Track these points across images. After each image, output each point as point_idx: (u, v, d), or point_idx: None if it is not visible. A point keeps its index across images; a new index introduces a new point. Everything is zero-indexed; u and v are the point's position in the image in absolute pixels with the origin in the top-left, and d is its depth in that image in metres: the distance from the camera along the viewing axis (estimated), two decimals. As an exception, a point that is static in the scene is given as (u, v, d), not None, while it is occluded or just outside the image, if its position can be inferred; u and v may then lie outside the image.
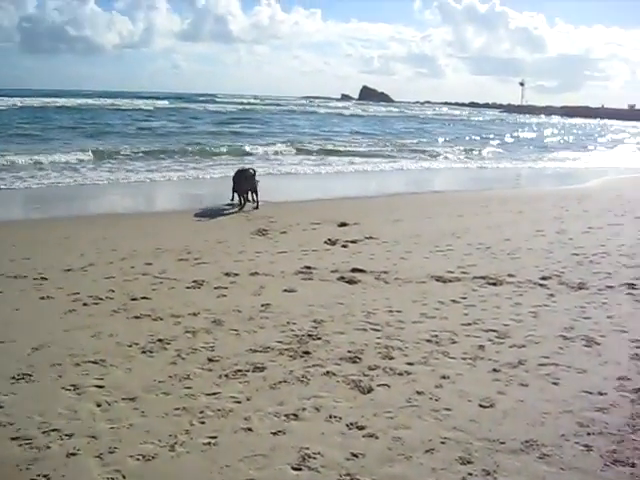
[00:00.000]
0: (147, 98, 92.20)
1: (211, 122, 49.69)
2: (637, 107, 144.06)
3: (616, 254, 10.55)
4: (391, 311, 7.37)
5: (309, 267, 9.28)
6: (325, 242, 11.08)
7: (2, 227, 12.14)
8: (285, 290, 8.18)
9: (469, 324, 6.98)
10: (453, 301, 7.81)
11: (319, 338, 6.47)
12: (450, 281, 8.73)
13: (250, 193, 14.95)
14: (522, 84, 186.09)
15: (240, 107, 78.47)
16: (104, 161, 22.64)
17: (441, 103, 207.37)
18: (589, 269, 9.52)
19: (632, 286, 8.63)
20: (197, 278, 8.60)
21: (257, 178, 15.15)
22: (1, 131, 32.98)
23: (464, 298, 7.94)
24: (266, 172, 20.74)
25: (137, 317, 7.06)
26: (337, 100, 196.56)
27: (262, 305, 7.50)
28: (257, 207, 14.70)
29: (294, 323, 6.90)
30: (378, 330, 6.74)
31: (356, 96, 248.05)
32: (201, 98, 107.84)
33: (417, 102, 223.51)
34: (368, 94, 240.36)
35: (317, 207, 15.03)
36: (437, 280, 8.76)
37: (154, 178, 19.74)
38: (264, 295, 7.96)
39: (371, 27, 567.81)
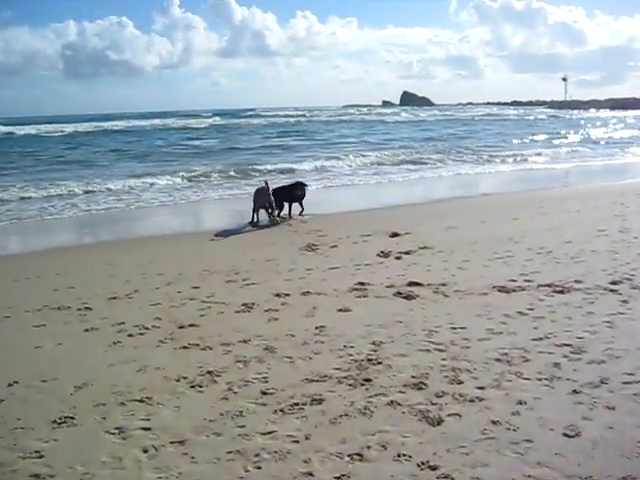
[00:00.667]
0: (194, 116, 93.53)
1: (261, 137, 50.36)
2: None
3: (689, 252, 9.94)
4: (454, 328, 6.85)
5: (363, 283, 8.81)
6: (378, 255, 10.60)
7: (47, 255, 11.95)
8: (339, 310, 7.71)
9: (540, 339, 6.42)
10: (520, 313, 7.26)
11: (379, 362, 5.98)
12: (514, 291, 8.18)
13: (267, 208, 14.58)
14: (565, 79, 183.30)
15: (285, 120, 79.12)
16: (160, 183, 22.21)
17: (483, 104, 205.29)
18: (662, 270, 8.93)
19: None
20: (246, 301, 8.19)
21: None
22: (53, 158, 33.31)
23: (531, 309, 7.38)
24: (322, 185, 20.40)
25: (185, 347, 6.66)
26: (380, 107, 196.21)
27: (316, 328, 7.04)
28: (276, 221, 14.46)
29: (351, 346, 6.43)
30: (442, 350, 6.23)
31: (397, 102, 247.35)
32: (249, 113, 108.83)
33: (459, 104, 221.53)
34: (409, 99, 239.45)
35: (366, 218, 14.57)
36: (500, 290, 8.22)
37: (210, 197, 19.52)
38: (317, 316, 7.50)
39: (408, 32, 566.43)
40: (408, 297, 8.09)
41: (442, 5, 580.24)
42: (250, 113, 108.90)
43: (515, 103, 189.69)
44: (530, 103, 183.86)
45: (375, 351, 6.28)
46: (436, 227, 12.98)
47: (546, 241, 11.06)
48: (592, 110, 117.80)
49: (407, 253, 10.63)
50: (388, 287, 8.58)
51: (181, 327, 7.31)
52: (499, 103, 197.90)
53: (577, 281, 8.44)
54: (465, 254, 10.38)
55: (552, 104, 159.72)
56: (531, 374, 5.58)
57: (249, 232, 13.49)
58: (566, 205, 15.36)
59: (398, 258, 10.34)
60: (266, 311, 7.80)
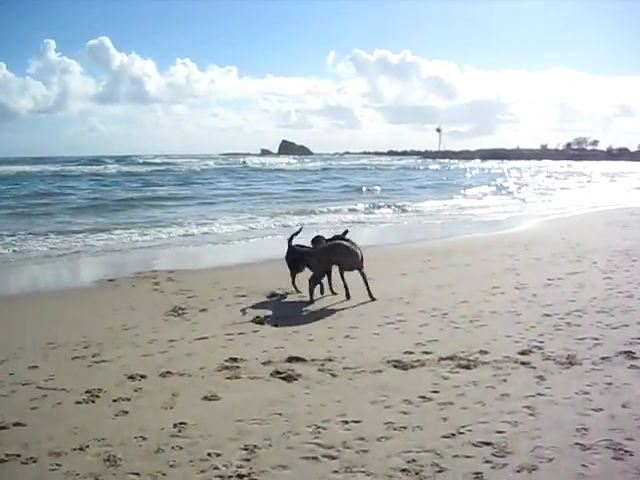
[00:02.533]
0: (72, 163, 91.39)
1: (160, 186, 48.44)
2: (549, 147, 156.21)
3: (592, 311, 9.12)
4: (346, 422, 5.51)
5: (235, 359, 7.38)
6: (253, 320, 9.25)
7: None
8: (205, 397, 6.24)
9: (452, 435, 5.17)
10: (423, 398, 6.01)
11: (254, 480, 4.57)
12: (412, 367, 6.96)
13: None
14: (439, 130, 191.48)
15: (168, 167, 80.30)
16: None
17: (360, 153, 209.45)
18: (571, 335, 8.00)
19: (631, 355, 7.17)
20: (92, 386, 6.59)
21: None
22: None
23: (435, 392, 6.16)
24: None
25: (1, 461, 5.06)
26: (259, 155, 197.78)
27: (175, 425, 5.54)
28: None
29: (218, 454, 4.96)
30: (334, 457, 4.85)
31: (276, 150, 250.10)
32: (130, 160, 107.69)
33: (336, 153, 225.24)
34: (287, 148, 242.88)
35: (243, 274, 13.15)
36: (396, 366, 6.98)
37: (82, 250, 17.36)
38: (177, 408, 6.01)
39: (286, 82, 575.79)
40: (288, 378, 6.72)
41: (320, 56, 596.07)
42: (132, 160, 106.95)
43: (391, 153, 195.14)
44: (405, 153, 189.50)
45: (248, 461, 4.85)
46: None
47: (439, 301, 10.03)
48: (477, 160, 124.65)
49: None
50: (264, 364, 7.22)
51: (3, 428, 5.67)
52: (376, 153, 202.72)
53: (482, 352, 7.37)
54: (352, 318, 9.21)
55: (426, 154, 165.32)
56: (450, 493, 4.31)
57: (112, 291, 11.86)
58: (453, 258, 14.54)
59: (276, 325, 9.03)
60: (114, 401, 6.24)
